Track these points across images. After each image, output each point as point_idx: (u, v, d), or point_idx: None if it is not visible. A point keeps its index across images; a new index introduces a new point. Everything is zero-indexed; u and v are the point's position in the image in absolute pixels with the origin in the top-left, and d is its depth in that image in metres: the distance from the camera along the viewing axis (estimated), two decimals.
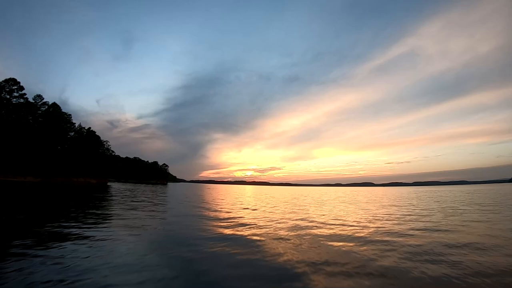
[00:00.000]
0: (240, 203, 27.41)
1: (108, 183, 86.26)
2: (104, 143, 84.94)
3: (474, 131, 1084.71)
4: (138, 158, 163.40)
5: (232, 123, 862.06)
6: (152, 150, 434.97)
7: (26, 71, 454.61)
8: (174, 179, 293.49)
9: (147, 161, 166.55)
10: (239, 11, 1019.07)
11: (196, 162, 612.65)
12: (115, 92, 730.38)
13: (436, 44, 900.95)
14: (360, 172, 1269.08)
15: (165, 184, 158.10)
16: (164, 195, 38.59)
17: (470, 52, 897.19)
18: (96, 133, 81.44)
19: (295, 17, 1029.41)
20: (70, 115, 72.12)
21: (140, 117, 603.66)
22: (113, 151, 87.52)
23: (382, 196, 46.31)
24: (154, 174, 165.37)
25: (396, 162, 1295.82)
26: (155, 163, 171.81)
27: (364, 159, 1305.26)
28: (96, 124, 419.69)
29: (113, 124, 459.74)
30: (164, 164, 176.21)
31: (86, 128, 77.71)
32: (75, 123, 74.07)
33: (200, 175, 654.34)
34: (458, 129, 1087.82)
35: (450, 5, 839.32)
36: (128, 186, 73.57)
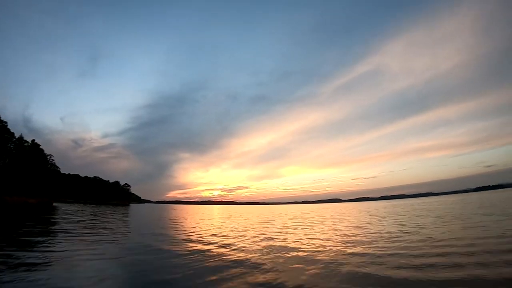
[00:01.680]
0: (206, 229, 24.64)
1: (54, 204, 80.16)
2: (48, 156, 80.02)
3: (437, 144, 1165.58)
4: (98, 177, 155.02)
5: (199, 142, 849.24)
6: (117, 170, 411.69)
7: None
8: (139, 200, 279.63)
9: (108, 181, 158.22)
10: (210, 29, 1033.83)
11: (162, 182, 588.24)
12: (80, 109, 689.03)
13: (400, 62, 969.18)
14: (327, 189, 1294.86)
15: (127, 205, 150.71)
16: (111, 222, 29.19)
17: (433, 69, 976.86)
18: (41, 147, 77.10)
19: (265, 36, 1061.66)
20: (6, 122, 66.26)
21: (105, 136, 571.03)
22: (57, 167, 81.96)
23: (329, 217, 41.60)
24: (115, 194, 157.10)
25: (362, 177, 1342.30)
26: (117, 182, 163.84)
27: (330, 176, 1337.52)
28: (60, 142, 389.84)
29: (77, 143, 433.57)
30: (126, 184, 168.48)
31: (27, 140, 72.82)
32: (13, 133, 68.86)
33: (167, 195, 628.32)
34: (421, 143, 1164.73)
35: (413, 24, 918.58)
36: (79, 207, 69.51)
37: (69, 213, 41.18)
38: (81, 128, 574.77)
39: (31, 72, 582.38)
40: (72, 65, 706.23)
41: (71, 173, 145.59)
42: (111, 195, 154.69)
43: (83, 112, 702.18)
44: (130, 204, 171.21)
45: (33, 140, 75.21)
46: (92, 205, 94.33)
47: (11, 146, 65.52)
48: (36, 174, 68.77)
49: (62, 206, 66.98)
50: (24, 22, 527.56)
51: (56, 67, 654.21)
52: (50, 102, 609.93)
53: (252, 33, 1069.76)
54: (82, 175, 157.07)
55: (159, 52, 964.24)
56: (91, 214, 42.76)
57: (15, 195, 61.22)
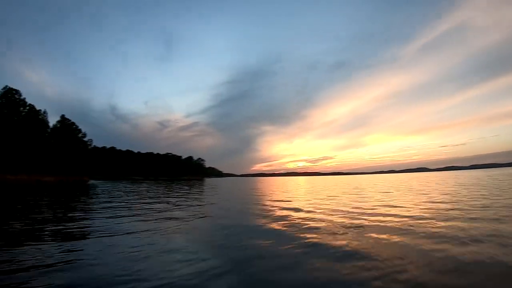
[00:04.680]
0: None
1: (91, 181, 70.93)
2: (80, 133, 70.15)
3: None
4: (170, 153, 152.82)
5: (281, 114, 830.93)
6: (202, 147, 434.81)
7: (74, 81, 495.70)
8: (220, 174, 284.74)
9: (180, 156, 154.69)
10: None
11: (247, 156, 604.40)
12: (161, 93, 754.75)
13: (488, 15, 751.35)
14: (414, 157, 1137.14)
15: (200, 179, 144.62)
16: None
17: None
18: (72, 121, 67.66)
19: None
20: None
21: (188, 115, 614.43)
22: (89, 144, 71.79)
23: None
24: (188, 169, 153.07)
25: (450, 144, 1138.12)
26: (190, 157, 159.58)
27: (417, 144, 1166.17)
28: (146, 125, 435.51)
29: (163, 124, 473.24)
30: (199, 158, 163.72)
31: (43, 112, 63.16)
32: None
33: (252, 168, 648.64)
34: None
35: None
36: (131, 185, 56.33)
37: (97, 192, 32.41)
38: (165, 110, 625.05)
39: (112, 63, 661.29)
40: (149, 52, 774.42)
41: (143, 152, 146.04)
42: (184, 170, 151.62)
43: (164, 94, 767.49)
44: (205, 178, 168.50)
45: (62, 116, 66.82)
46: (158, 182, 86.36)
47: (15, 118, 56.49)
48: (56, 151, 59.33)
49: (113, 184, 55.10)
50: (98, 19, 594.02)
51: (134, 55, 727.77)
52: (133, 88, 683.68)
53: None
54: (162, 153, 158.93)
55: (232, 28, 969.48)
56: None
57: (24, 173, 52.41)
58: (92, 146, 73.39)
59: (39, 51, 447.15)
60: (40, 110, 63.75)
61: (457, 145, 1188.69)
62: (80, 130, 71.43)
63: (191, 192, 32.35)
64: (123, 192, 32.47)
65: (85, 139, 72.16)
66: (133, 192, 32.77)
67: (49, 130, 63.07)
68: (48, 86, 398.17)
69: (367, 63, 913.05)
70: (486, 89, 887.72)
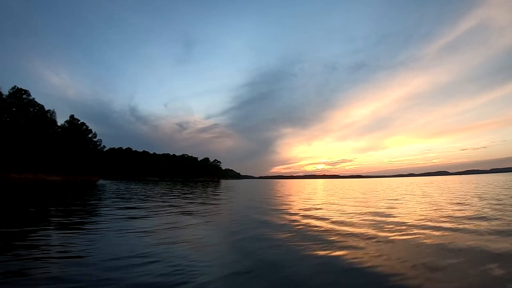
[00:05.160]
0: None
1: (101, 181, 69.49)
2: (91, 134, 68.18)
3: None
4: (186, 155, 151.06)
5: (301, 116, 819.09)
6: (221, 149, 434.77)
7: (95, 83, 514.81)
8: (237, 176, 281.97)
9: (196, 158, 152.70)
10: None
11: (266, 158, 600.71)
12: (181, 94, 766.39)
13: (508, 13, 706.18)
14: (434, 161, 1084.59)
15: (217, 181, 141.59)
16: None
17: None
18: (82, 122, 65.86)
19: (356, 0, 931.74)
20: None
21: (208, 117, 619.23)
22: (98, 144, 69.32)
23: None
24: (204, 171, 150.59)
25: (471, 148, 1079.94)
26: (206, 159, 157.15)
27: (437, 147, 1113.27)
28: (166, 127, 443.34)
29: (182, 126, 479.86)
30: (215, 160, 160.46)
31: (51, 112, 61.42)
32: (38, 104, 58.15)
33: (271, 171, 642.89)
34: None
35: None
36: (143, 185, 54.09)
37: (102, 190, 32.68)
38: (184, 111, 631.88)
39: (132, 66, 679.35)
40: (168, 54, 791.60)
41: (159, 153, 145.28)
42: (200, 171, 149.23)
43: (184, 96, 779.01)
44: (222, 180, 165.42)
45: (71, 116, 65.34)
46: (170, 183, 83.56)
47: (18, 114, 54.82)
48: (63, 151, 57.37)
49: (126, 185, 52.95)
50: (119, 22, 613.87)
51: (154, 58, 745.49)
52: (153, 90, 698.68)
53: None
54: (178, 154, 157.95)
55: (250, 29, 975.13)
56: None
57: (29, 172, 50.48)
58: (102, 146, 71.15)
59: (61, 54, 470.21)
60: (49, 110, 62.76)
61: (478, 148, 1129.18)
62: (90, 130, 69.82)
63: (189, 194, 28.27)
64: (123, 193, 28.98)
65: (96, 139, 70.49)
66: (133, 192, 29.32)
67: (58, 129, 61.68)
68: (69, 88, 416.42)
69: (387, 64, 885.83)
70: (509, 90, 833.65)
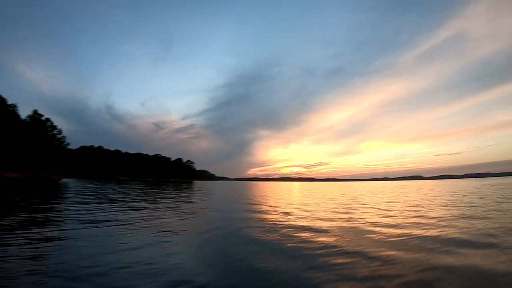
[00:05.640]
0: None
1: (64, 180, 66.37)
2: (55, 130, 65.52)
3: None
4: (159, 155, 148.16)
5: (278, 119, 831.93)
6: (198, 150, 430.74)
7: (71, 79, 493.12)
8: (212, 177, 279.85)
9: (169, 158, 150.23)
10: (277, 2, 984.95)
11: (242, 160, 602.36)
12: (158, 94, 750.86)
13: (484, 25, 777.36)
14: (408, 165, 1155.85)
15: (189, 182, 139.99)
16: None
17: None
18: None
19: (336, 5, 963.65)
20: None
21: (185, 117, 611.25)
22: (63, 141, 66.92)
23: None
24: (177, 171, 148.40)
25: (445, 153, 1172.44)
26: (179, 159, 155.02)
27: (412, 152, 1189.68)
28: (142, 126, 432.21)
29: (158, 125, 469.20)
30: (188, 161, 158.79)
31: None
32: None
33: (247, 172, 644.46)
34: (510, 116, 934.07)
35: None
36: (100, 184, 52.43)
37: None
38: (161, 111, 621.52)
39: (110, 63, 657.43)
40: (148, 53, 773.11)
41: (132, 152, 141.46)
42: (173, 172, 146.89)
43: (162, 96, 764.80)
44: (195, 181, 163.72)
45: (34, 110, 62.54)
46: (144, 183, 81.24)
47: None
48: (24, 147, 54.80)
49: (73, 183, 50.53)
50: (99, 18, 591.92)
51: (133, 56, 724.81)
52: (130, 89, 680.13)
53: (321, 1, 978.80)
54: (151, 154, 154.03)
55: (230, 31, 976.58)
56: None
57: None
58: (66, 143, 68.52)
59: (38, 49, 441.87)
60: (12, 104, 59.63)
61: (452, 154, 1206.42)
62: (55, 127, 66.92)
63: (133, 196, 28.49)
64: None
65: (60, 135, 67.63)
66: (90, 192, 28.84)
67: (20, 124, 58.64)
68: (45, 84, 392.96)
69: (365, 70, 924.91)
70: (482, 99, 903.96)
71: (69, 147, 72.34)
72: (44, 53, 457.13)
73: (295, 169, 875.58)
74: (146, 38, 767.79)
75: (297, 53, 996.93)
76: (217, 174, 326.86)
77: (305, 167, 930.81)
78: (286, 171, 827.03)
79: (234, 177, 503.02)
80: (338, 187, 63.95)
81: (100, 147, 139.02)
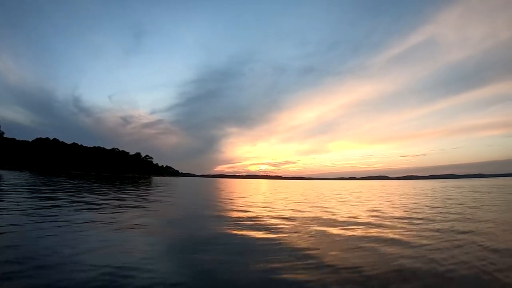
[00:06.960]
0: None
1: None
2: None
3: (492, 122, 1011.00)
4: (117, 149, 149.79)
5: (247, 116, 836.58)
6: (165, 146, 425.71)
7: (38, 69, 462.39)
8: (175, 174, 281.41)
9: (128, 153, 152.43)
10: None
11: (210, 157, 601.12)
12: (127, 87, 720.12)
13: (455, 31, 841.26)
14: (375, 166, 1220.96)
15: (147, 177, 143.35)
16: None
17: (491, 39, 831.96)
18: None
19: (310, 3, 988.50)
20: None
21: (153, 112, 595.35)
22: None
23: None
24: (135, 166, 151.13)
25: (411, 155, 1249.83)
26: (138, 154, 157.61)
27: (379, 152, 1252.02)
28: (110, 120, 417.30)
29: (126, 120, 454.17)
30: (147, 155, 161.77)
31: None
32: None
33: (215, 169, 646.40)
34: (475, 120, 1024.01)
35: None
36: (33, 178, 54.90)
37: None
38: (129, 105, 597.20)
39: (78, 53, 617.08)
40: (117, 44, 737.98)
41: (89, 146, 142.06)
42: (131, 167, 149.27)
43: (130, 89, 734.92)
44: (155, 177, 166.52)
45: None
46: (96, 179, 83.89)
47: None
48: None
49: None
50: (68, 6, 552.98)
51: (102, 47, 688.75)
52: (98, 81, 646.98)
53: (297, 0, 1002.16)
54: (128, 150, 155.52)
55: (203, 26, 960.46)
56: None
57: None
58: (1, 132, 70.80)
59: (4, 36, 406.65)
60: None
61: (417, 155, 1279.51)
62: None
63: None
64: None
65: None
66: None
67: None
68: (12, 73, 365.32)
69: (336, 70, 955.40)
70: (449, 103, 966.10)
71: (26, 139, 74.57)
72: (13, 42, 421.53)
73: (263, 167, 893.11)
74: (116, 28, 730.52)
75: (271, 51, 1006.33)
76: (183, 170, 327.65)
77: (272, 165, 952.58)
78: (253, 169, 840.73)
79: (200, 174, 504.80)
80: (302, 186, 64.68)
81: (55, 140, 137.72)
